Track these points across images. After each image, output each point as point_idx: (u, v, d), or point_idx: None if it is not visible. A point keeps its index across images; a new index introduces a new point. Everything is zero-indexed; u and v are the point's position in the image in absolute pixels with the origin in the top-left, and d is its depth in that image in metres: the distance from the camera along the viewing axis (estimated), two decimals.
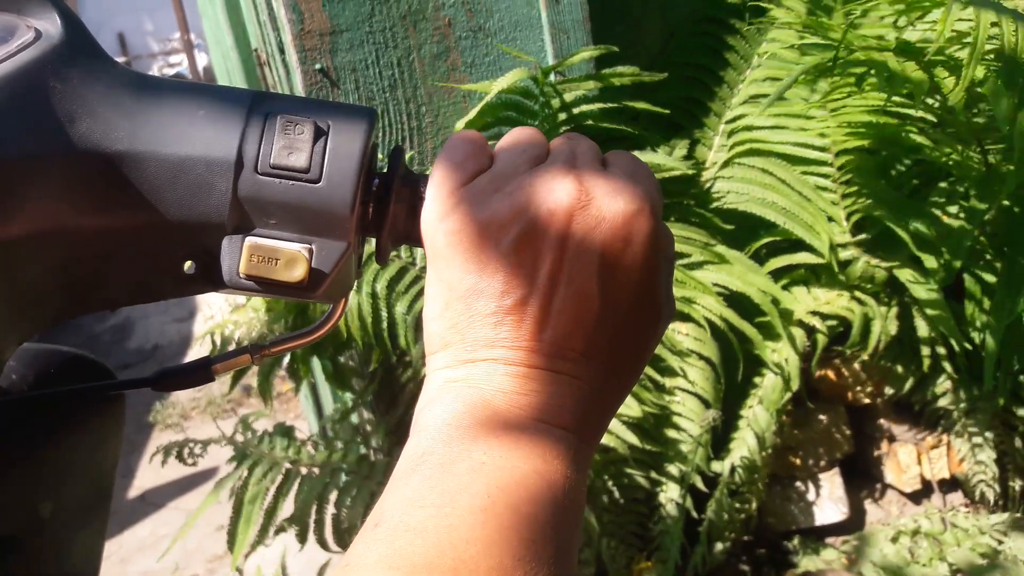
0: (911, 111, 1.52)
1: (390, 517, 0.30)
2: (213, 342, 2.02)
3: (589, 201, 0.38)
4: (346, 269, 0.44)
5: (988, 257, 1.56)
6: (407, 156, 1.35)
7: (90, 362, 0.63)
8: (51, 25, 0.44)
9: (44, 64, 0.42)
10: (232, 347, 2.04)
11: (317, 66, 1.28)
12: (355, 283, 0.49)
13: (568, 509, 0.32)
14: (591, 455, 0.37)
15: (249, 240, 0.43)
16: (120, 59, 10.36)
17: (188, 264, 0.46)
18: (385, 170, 0.46)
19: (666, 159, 1.55)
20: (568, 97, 1.43)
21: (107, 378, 0.63)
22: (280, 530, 1.57)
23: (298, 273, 0.43)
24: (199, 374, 0.53)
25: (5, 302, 0.42)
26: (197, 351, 3.82)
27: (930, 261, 1.51)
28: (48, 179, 0.40)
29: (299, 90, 1.30)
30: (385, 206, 0.44)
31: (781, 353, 1.61)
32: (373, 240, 0.47)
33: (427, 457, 0.34)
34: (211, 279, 0.46)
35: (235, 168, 0.42)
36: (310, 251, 0.43)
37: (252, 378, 2.80)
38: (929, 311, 1.55)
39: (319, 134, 0.43)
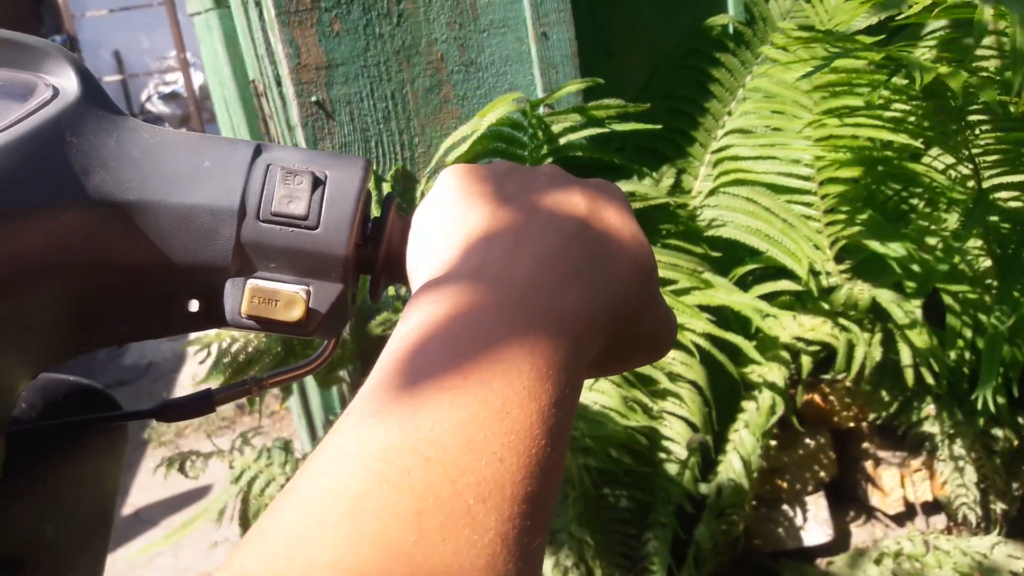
0: (895, 137, 1.55)
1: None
2: (209, 353, 2.05)
3: (566, 175, 0.41)
4: (341, 308, 0.47)
5: (979, 288, 1.60)
6: (397, 167, 1.39)
7: (96, 392, 0.66)
8: (68, 82, 0.48)
9: (61, 120, 0.45)
10: (227, 360, 2.07)
11: (313, 98, 1.31)
12: (350, 319, 0.52)
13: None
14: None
15: (251, 283, 0.46)
16: (116, 77, 10.40)
17: (193, 303, 0.49)
18: (379, 214, 0.49)
19: (650, 188, 1.59)
20: (556, 128, 1.47)
21: (112, 407, 0.65)
22: None
23: (296, 313, 0.46)
24: (200, 405, 0.55)
25: (22, 338, 0.45)
26: (190, 368, 3.83)
27: (913, 286, 1.55)
28: (65, 227, 0.43)
29: (295, 121, 1.34)
30: (378, 247, 0.48)
31: (767, 377, 1.64)
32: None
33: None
34: (214, 317, 0.49)
35: (238, 216, 0.45)
36: (308, 293, 0.46)
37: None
38: (911, 336, 1.59)
39: (317, 183, 0.46)
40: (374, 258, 0.48)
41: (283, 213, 0.45)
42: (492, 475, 0.23)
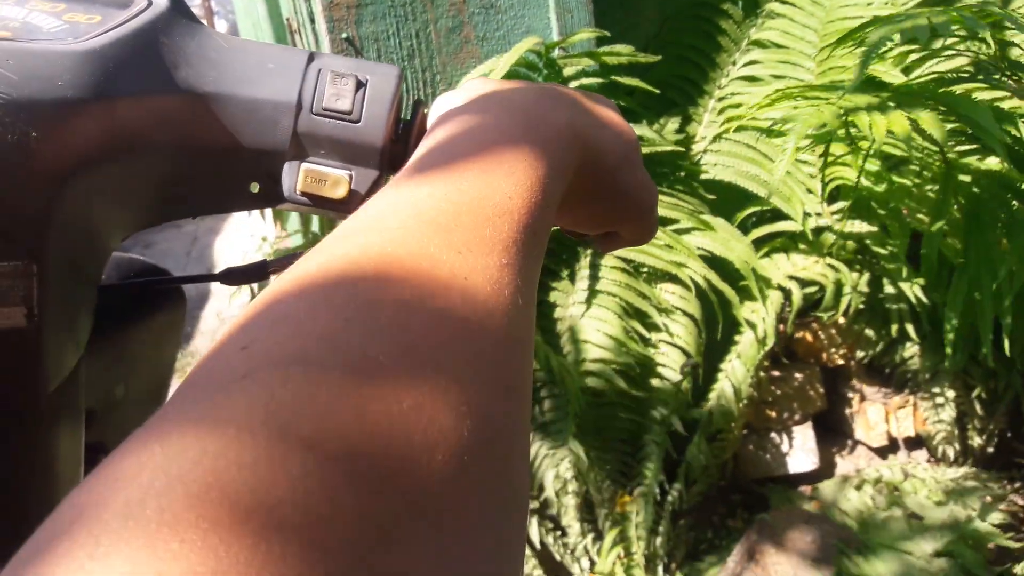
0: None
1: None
2: (239, 289, 2.18)
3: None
4: (376, 192, 0.58)
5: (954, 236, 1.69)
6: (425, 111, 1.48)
7: (161, 269, 0.77)
8: None
9: (154, 25, 0.55)
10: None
11: (344, 35, 1.41)
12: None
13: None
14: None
15: (304, 165, 0.57)
16: None
17: (254, 185, 0.60)
18: (408, 117, 0.60)
19: (655, 135, 1.68)
20: (568, 72, 1.57)
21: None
22: None
23: (341, 191, 0.57)
24: (257, 272, 0.67)
25: (121, 201, 0.56)
26: (214, 305, 3.96)
27: (896, 228, 1.64)
28: (159, 108, 0.54)
29: None
30: (407, 145, 0.58)
31: (759, 313, 1.75)
32: None
33: None
34: (270, 198, 0.59)
35: (295, 109, 0.55)
36: (350, 176, 0.57)
37: None
38: (895, 276, 1.69)
39: (360, 85, 0.56)
40: (403, 154, 0.58)
41: (332, 108, 0.55)
42: (504, 204, 0.33)
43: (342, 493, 0.19)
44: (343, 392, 0.21)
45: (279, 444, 0.19)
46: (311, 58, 0.57)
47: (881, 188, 1.63)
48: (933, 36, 1.29)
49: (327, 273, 0.27)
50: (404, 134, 0.58)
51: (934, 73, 1.51)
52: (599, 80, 1.60)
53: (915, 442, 2.02)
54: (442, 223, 0.30)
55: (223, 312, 3.71)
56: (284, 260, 0.68)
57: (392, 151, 0.58)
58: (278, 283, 0.27)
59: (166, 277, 0.71)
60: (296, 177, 0.57)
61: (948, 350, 1.63)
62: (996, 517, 1.64)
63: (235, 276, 0.68)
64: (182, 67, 0.55)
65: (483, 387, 0.25)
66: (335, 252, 0.28)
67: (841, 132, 1.59)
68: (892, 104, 1.28)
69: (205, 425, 0.19)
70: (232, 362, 0.22)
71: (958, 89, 1.49)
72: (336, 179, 0.57)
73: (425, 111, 0.60)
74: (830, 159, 1.71)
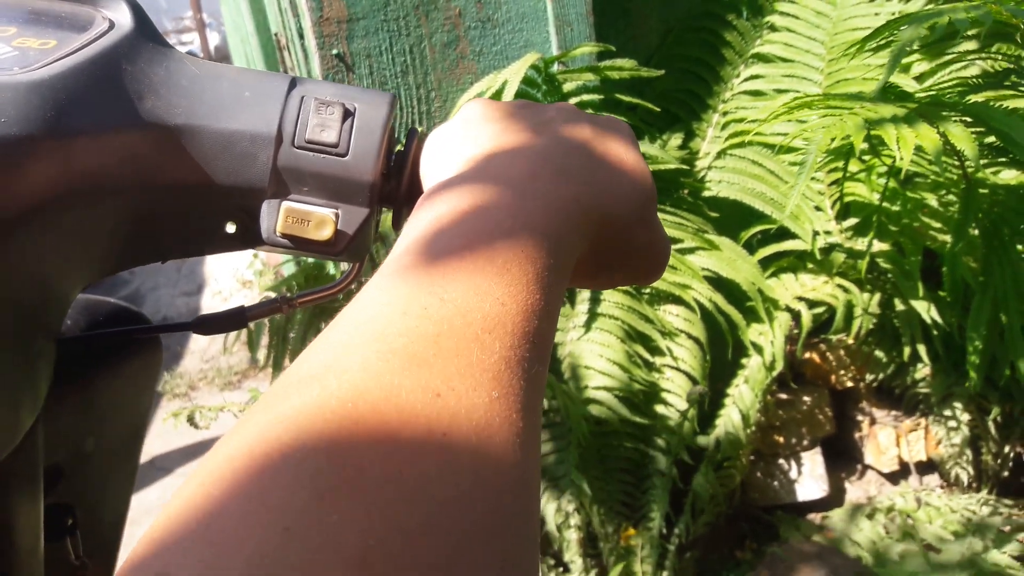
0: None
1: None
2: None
3: (577, 109, 0.45)
4: (366, 232, 0.52)
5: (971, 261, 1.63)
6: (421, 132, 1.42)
7: (133, 313, 0.71)
8: (122, 16, 0.52)
9: (117, 50, 0.49)
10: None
11: (334, 51, 1.35)
12: (372, 247, 0.56)
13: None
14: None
15: (285, 204, 0.51)
16: None
17: (230, 225, 0.53)
18: (402, 148, 0.53)
19: (660, 151, 1.63)
20: (569, 87, 1.51)
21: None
22: None
23: (326, 233, 0.51)
24: (234, 320, 0.60)
25: (80, 249, 0.50)
26: (197, 352, 3.89)
27: (910, 245, 1.59)
28: (121, 146, 0.48)
29: (316, 74, 1.38)
30: (401, 179, 0.52)
31: (767, 336, 1.69)
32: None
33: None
34: (248, 239, 0.53)
35: (275, 142, 0.49)
36: (336, 215, 0.51)
37: (261, 351, 2.89)
38: (908, 294, 1.63)
39: (347, 114, 0.50)
40: (397, 189, 0.52)
41: (316, 140, 0.49)
42: (496, 314, 0.27)
43: None
44: None
45: None
46: (293, 84, 0.51)
47: (895, 205, 1.58)
48: (966, 30, 1.22)
49: (266, 452, 0.21)
50: (397, 167, 0.52)
51: (955, 79, 1.45)
52: (600, 96, 1.54)
53: (927, 467, 1.96)
54: (416, 354, 0.25)
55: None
56: (262, 307, 0.61)
57: (384, 186, 0.52)
58: (208, 466, 0.22)
59: (133, 327, 0.65)
60: (276, 217, 0.51)
61: (972, 373, 1.57)
62: (1014, 548, 1.58)
63: (210, 325, 0.61)
64: (148, 97, 0.49)
65: None
66: (279, 414, 0.23)
67: (863, 146, 1.54)
68: (919, 116, 1.21)
69: None
70: None
71: (981, 97, 1.43)
72: (321, 219, 0.51)
73: (422, 130, 0.54)
74: (836, 176, 1.66)
